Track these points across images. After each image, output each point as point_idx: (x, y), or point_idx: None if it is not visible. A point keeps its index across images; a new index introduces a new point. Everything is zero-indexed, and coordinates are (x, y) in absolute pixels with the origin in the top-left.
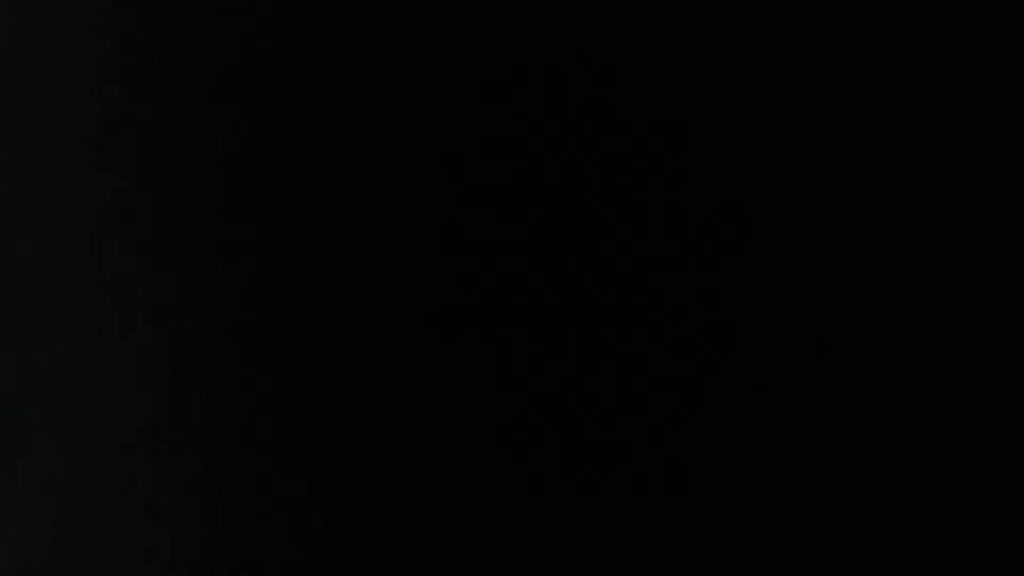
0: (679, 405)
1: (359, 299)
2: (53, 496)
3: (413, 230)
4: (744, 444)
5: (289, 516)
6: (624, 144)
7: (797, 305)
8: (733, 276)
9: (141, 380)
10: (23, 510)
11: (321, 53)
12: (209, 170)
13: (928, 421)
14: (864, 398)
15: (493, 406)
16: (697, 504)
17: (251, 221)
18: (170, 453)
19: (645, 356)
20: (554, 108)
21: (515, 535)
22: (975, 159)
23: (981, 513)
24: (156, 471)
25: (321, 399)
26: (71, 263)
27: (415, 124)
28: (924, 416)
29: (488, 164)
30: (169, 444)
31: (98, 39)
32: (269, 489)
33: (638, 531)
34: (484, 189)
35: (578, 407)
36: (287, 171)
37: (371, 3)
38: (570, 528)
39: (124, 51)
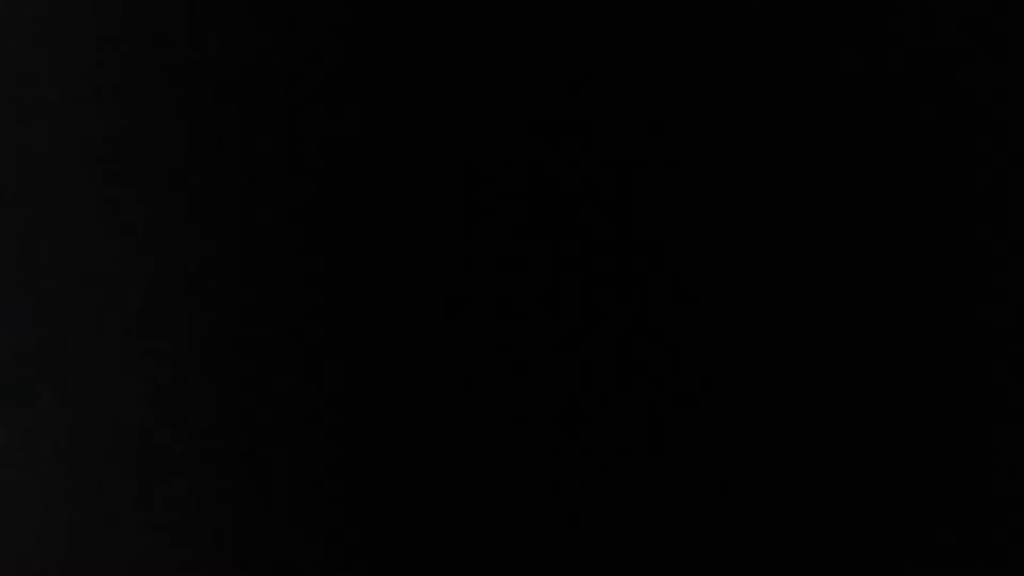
0: (679, 405)
1: (359, 299)
2: (53, 495)
3: (413, 229)
4: (745, 445)
5: (290, 514)
6: (621, 144)
7: (796, 305)
8: (734, 276)
9: (141, 378)
10: (23, 509)
11: (324, 54)
12: (211, 169)
13: (930, 420)
14: (866, 398)
15: (492, 406)
16: (699, 503)
17: (254, 220)
18: (170, 452)
19: (645, 355)
20: (553, 108)
21: (515, 535)
22: (974, 159)
23: (982, 505)
24: (156, 470)
25: (323, 399)
26: (71, 262)
27: (416, 124)
28: (925, 415)
29: (488, 163)
30: (168, 443)
31: (103, 40)
32: (271, 487)
33: (637, 530)
34: (484, 189)
35: (576, 407)
36: (290, 170)
37: (373, 4)
38: (569, 528)
39: (129, 53)
